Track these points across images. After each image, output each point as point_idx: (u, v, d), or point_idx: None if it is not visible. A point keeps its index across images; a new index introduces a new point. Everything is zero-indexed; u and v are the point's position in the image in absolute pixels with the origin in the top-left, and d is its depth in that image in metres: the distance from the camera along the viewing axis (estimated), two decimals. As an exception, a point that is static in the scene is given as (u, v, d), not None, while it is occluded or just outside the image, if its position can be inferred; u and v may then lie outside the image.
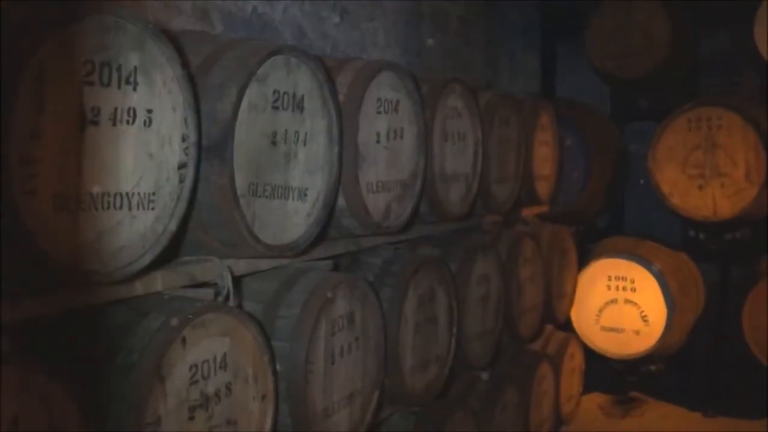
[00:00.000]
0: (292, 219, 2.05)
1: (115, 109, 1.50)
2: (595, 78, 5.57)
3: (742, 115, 4.52)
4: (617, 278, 4.73)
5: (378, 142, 2.44)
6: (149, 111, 1.58)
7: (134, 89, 1.54)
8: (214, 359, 1.76)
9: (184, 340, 1.66)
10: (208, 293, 1.84)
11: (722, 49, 5.77)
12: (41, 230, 1.35)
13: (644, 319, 4.65)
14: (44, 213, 1.36)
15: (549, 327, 4.54)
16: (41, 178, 1.35)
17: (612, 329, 4.77)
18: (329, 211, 2.19)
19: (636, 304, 4.68)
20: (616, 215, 6.05)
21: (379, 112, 2.43)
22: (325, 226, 2.25)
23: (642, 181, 5.30)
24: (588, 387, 5.09)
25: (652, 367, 4.96)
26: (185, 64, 1.68)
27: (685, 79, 5.75)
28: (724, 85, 5.80)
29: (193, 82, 1.71)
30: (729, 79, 5.79)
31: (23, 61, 1.30)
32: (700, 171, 4.67)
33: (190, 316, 1.67)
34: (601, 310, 4.79)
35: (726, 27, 5.67)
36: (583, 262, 4.85)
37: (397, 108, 2.53)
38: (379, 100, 2.42)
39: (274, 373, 1.96)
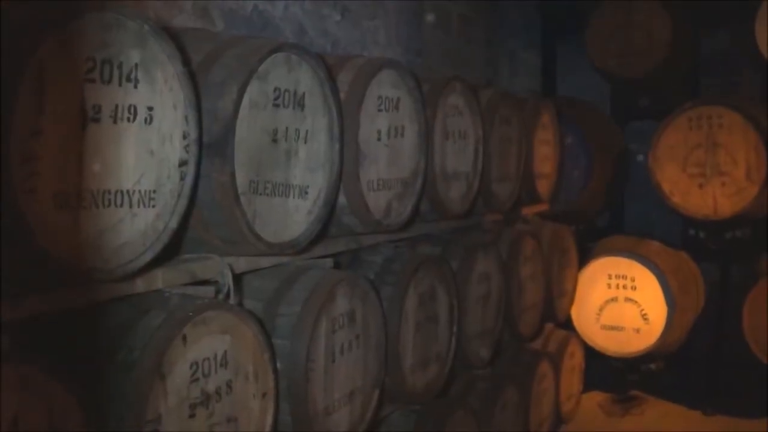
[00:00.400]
0: (292, 217, 2.05)
1: (116, 106, 1.49)
2: (596, 77, 5.56)
3: (743, 114, 4.51)
4: (617, 276, 4.73)
5: (379, 140, 2.44)
6: (150, 108, 1.58)
7: (135, 87, 1.53)
8: (215, 357, 1.76)
9: (184, 337, 1.65)
10: (208, 291, 1.83)
11: (722, 49, 5.78)
12: (42, 228, 1.34)
13: (644, 317, 4.64)
14: (45, 211, 1.36)
15: (549, 325, 4.54)
16: (42, 177, 1.34)
17: (612, 327, 4.76)
18: (330, 208, 2.19)
19: (636, 302, 4.67)
20: (616, 214, 6.05)
21: (380, 110, 2.43)
22: (326, 223, 2.24)
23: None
24: (588, 385, 5.08)
25: (652, 366, 4.96)
26: (186, 62, 1.67)
27: (685, 79, 5.75)
28: (724, 84, 5.81)
29: (194, 79, 1.70)
30: (729, 78, 5.80)
31: (23, 61, 1.30)
32: (700, 170, 4.67)
33: (191, 314, 1.67)
34: (601, 309, 4.79)
35: (726, 27, 5.67)
36: (584, 260, 4.85)
37: (398, 106, 2.53)
38: (380, 97, 2.42)
39: (275, 371, 1.96)
